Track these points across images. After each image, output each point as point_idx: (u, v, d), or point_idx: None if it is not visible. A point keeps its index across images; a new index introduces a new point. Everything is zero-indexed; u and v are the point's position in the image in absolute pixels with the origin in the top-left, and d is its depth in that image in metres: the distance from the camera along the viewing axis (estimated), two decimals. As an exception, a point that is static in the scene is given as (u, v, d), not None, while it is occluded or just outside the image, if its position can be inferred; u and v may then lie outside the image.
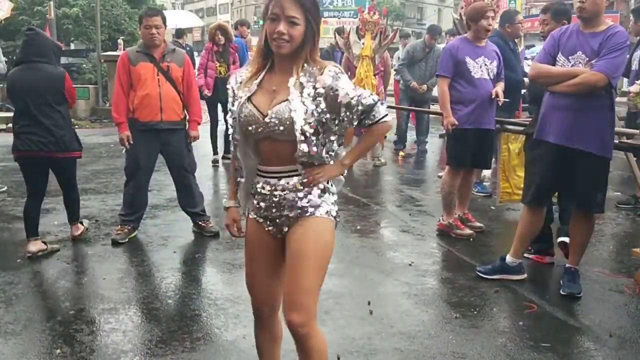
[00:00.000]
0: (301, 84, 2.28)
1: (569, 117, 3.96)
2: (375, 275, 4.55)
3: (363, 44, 8.66)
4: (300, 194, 2.35)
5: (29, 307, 3.91)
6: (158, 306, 3.99)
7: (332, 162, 2.38)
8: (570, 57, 3.97)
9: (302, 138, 2.25)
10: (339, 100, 2.28)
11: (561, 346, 3.51)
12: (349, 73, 8.86)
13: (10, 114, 14.19)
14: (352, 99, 2.29)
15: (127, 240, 5.23)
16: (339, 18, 38.70)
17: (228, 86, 2.47)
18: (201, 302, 4.05)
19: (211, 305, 3.97)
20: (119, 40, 16.52)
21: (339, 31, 10.01)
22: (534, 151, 4.22)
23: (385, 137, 9.68)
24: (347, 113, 2.31)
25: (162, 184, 7.08)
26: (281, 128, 2.27)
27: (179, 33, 13.54)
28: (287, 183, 2.35)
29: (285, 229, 2.41)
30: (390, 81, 10.55)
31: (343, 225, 5.83)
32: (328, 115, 2.29)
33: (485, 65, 5.26)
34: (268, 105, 2.31)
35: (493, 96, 5.24)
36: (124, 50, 7.96)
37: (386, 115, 2.39)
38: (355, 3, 41.33)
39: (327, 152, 2.34)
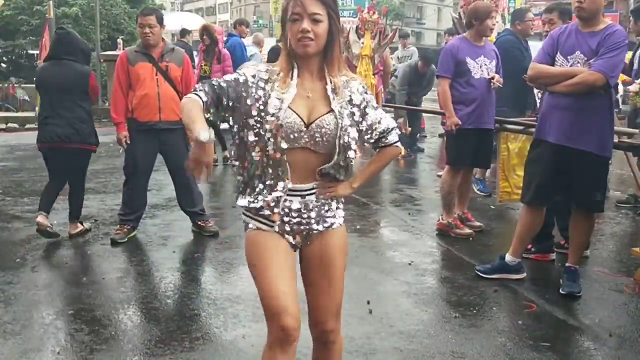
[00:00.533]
0: (341, 93, 2.24)
1: (569, 116, 3.96)
2: (374, 274, 4.55)
3: (362, 43, 8.67)
4: (326, 207, 2.32)
5: (28, 307, 3.90)
6: (157, 306, 3.99)
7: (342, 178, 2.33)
8: (568, 57, 3.97)
9: (342, 149, 2.22)
10: (367, 114, 2.31)
11: (561, 345, 3.51)
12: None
13: (8, 114, 14.28)
14: (378, 115, 2.34)
15: (126, 239, 5.23)
16: (338, 17, 38.58)
17: (242, 78, 2.21)
18: (200, 301, 4.05)
19: (210, 304, 3.97)
20: (118, 40, 16.53)
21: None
22: (533, 150, 4.22)
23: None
24: (369, 129, 2.34)
25: (161, 184, 7.07)
26: (324, 139, 2.20)
27: (184, 32, 13.54)
28: (313, 200, 2.28)
29: (308, 242, 2.35)
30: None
31: (342, 225, 5.83)
32: (357, 128, 2.29)
33: (485, 65, 5.26)
34: (307, 113, 2.21)
35: (489, 77, 5.22)
36: (123, 50, 7.97)
37: (398, 141, 2.43)
38: (355, 2, 41.37)
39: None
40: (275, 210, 2.25)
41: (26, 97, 14.92)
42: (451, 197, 5.51)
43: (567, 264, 4.28)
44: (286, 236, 2.31)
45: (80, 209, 5.45)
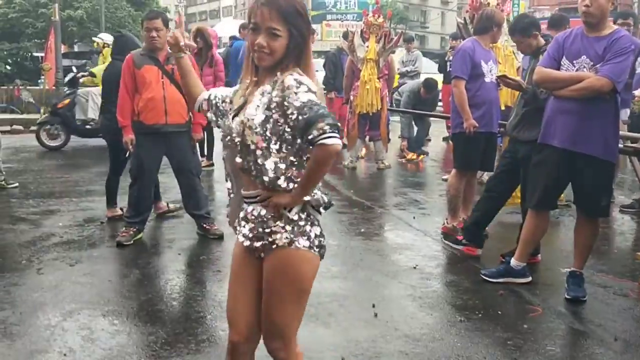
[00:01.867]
0: (264, 91, 2.13)
1: (574, 121, 3.96)
2: (379, 277, 4.56)
3: (367, 47, 8.68)
4: (266, 225, 2.18)
5: (34, 309, 3.91)
6: (163, 308, 4.00)
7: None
8: (574, 62, 3.97)
9: (252, 148, 2.11)
10: (285, 105, 2.05)
11: (566, 349, 3.52)
12: (354, 76, 8.90)
13: (13, 116, 14.33)
14: (297, 107, 2.03)
15: (132, 242, 5.23)
16: (342, 21, 38.71)
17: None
18: (206, 304, 4.06)
19: (216, 307, 3.97)
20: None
21: (345, 35, 10.06)
22: (538, 155, 4.22)
23: (389, 139, 9.69)
24: (290, 122, 2.06)
25: (166, 186, 7.06)
26: (238, 140, 2.14)
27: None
28: (255, 210, 2.21)
29: (262, 255, 2.26)
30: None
31: (347, 228, 5.84)
32: (284, 126, 2.10)
33: (492, 69, 5.27)
34: None
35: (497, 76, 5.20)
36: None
37: (332, 136, 1.99)
38: (359, 6, 41.45)
39: (287, 178, 2.14)
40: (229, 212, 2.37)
41: (31, 99, 14.93)
42: (457, 201, 5.51)
43: (572, 269, 4.27)
44: (254, 244, 2.23)
45: (110, 195, 6.06)
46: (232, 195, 2.35)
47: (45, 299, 4.09)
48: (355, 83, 8.82)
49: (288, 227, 2.17)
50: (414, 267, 4.76)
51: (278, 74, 2.12)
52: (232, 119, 2.20)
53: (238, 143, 2.15)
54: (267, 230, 2.19)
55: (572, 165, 4.02)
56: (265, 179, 2.13)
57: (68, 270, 4.66)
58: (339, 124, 2.05)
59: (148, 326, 3.72)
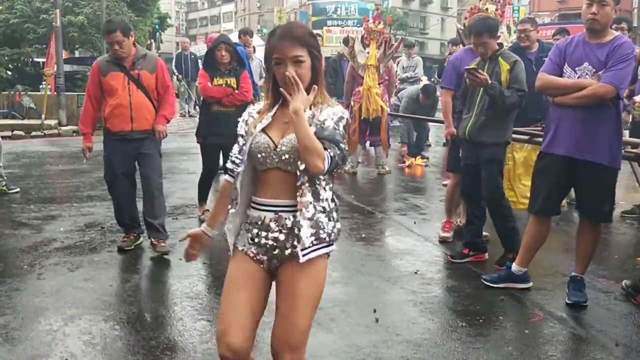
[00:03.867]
0: (313, 115, 2.27)
1: (578, 128, 3.95)
2: (380, 283, 4.56)
3: (368, 53, 8.71)
4: (295, 234, 2.28)
5: (36, 314, 3.92)
6: (164, 313, 4.01)
7: (326, 205, 2.32)
8: (576, 68, 3.98)
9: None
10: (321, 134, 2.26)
11: (567, 355, 3.52)
12: (354, 81, 8.92)
13: (14, 122, 14.31)
14: (326, 137, 2.25)
15: (132, 247, 5.24)
16: (342, 27, 38.79)
17: (240, 119, 2.44)
18: (207, 309, 4.06)
19: (217, 312, 3.96)
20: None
21: (346, 41, 10.08)
22: (541, 161, 4.22)
23: (389, 145, 9.69)
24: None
25: (166, 192, 7.07)
26: (290, 157, 2.25)
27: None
28: (287, 219, 2.29)
29: (277, 262, 2.34)
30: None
31: (348, 234, 5.84)
32: None
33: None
34: (280, 136, 2.29)
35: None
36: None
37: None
38: (359, 12, 41.52)
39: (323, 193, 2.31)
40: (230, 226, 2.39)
41: (32, 105, 14.95)
42: (457, 202, 5.57)
43: (573, 274, 4.27)
44: (259, 257, 2.35)
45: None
46: (237, 208, 2.38)
47: (46, 304, 4.09)
48: (356, 88, 8.84)
49: (315, 237, 2.29)
50: (415, 273, 4.76)
51: (319, 103, 2.30)
52: (278, 142, 2.29)
53: (288, 161, 2.27)
54: (308, 235, 2.27)
55: (575, 172, 4.02)
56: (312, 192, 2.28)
57: (69, 275, 4.66)
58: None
59: (149, 331, 3.72)
